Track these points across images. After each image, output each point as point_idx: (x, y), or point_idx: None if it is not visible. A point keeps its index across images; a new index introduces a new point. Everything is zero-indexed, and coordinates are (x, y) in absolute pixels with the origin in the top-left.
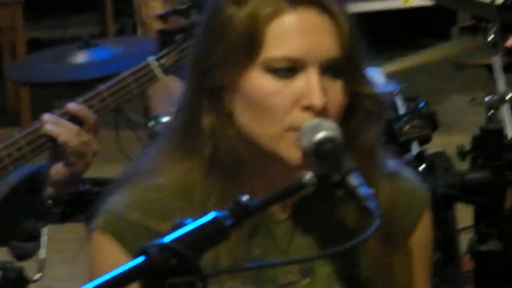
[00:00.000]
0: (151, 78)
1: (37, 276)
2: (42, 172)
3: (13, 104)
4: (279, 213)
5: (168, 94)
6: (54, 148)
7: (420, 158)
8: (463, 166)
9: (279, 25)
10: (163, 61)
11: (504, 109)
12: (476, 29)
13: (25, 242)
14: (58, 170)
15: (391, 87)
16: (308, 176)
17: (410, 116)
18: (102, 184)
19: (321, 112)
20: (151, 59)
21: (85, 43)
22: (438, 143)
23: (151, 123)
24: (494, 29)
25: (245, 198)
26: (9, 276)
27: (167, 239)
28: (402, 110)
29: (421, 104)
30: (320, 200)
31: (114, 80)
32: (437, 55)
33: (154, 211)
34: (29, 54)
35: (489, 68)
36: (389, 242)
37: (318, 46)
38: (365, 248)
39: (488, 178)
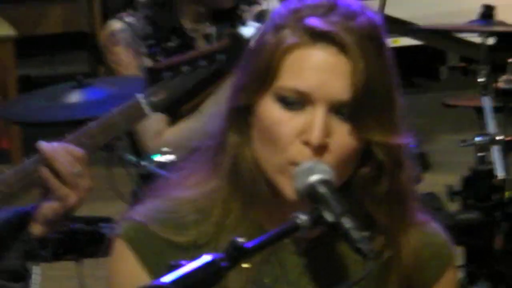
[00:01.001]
0: (140, 115)
1: None
2: (32, 212)
3: (4, 142)
4: (293, 245)
5: (157, 132)
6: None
7: None
8: (453, 206)
9: (296, 57)
10: (151, 98)
11: (495, 150)
12: (467, 70)
13: (13, 282)
14: (50, 206)
15: (412, 141)
16: (303, 217)
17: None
18: (94, 223)
19: (319, 151)
20: (139, 97)
21: (78, 83)
22: (428, 183)
23: (144, 162)
24: (484, 70)
25: (240, 240)
26: None
27: (164, 280)
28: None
29: (412, 145)
30: (334, 238)
31: (104, 118)
32: None
33: (172, 223)
34: (20, 92)
35: (478, 109)
36: None
37: (329, 86)
38: None
39: (478, 219)
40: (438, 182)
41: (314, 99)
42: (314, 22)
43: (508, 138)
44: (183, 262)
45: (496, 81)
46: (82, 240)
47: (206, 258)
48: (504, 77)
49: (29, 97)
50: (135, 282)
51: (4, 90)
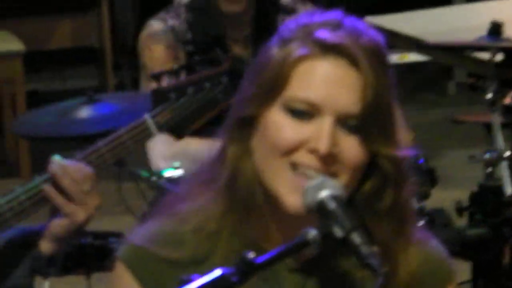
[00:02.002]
0: (147, 135)
1: None
2: (40, 230)
3: (13, 156)
4: (290, 263)
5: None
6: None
7: (419, 214)
8: (461, 221)
9: (305, 69)
10: (157, 118)
11: (503, 166)
12: (475, 86)
13: None
14: (59, 223)
15: (415, 152)
16: (312, 233)
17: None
18: (104, 237)
19: (325, 160)
20: (146, 116)
21: (88, 98)
22: (436, 198)
23: (154, 177)
24: (492, 87)
25: (251, 255)
26: None
27: None
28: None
29: (421, 161)
30: (333, 256)
31: (112, 137)
32: None
33: (170, 241)
34: (29, 107)
35: (487, 125)
36: None
37: (337, 98)
38: None
39: (487, 234)
40: (446, 197)
41: (322, 110)
42: (324, 34)
43: None
44: (194, 277)
45: (504, 97)
46: (91, 254)
47: (216, 272)
48: None
49: (39, 112)
50: None
51: (13, 105)
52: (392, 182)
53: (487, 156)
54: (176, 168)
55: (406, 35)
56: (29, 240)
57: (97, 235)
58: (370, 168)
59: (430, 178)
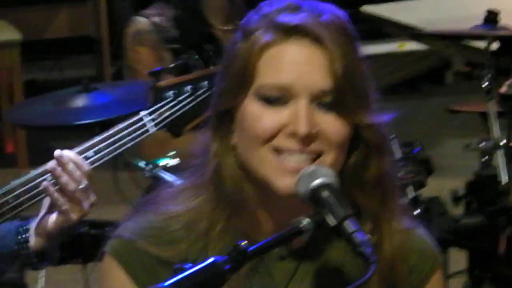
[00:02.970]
0: (143, 133)
1: None
2: (31, 226)
3: (10, 146)
4: (282, 251)
5: (162, 146)
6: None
7: (415, 202)
8: (457, 210)
9: (271, 55)
10: (154, 116)
11: (498, 155)
12: (471, 75)
13: None
14: (53, 220)
15: (390, 117)
16: (305, 221)
17: (406, 162)
18: (100, 226)
19: (305, 140)
20: (143, 114)
21: (85, 87)
22: (432, 187)
23: (149, 167)
24: (488, 75)
25: (243, 243)
26: None
27: (167, 283)
28: (397, 155)
29: (416, 150)
30: (323, 244)
31: (109, 133)
32: None
33: (160, 239)
34: (26, 96)
35: (483, 114)
36: None
37: (308, 77)
38: None
39: (483, 223)
40: (443, 186)
41: (295, 92)
42: (285, 18)
43: None
44: (186, 265)
45: (500, 86)
46: (88, 244)
47: (208, 261)
48: (508, 82)
49: (35, 101)
50: None
51: (10, 94)
52: (375, 149)
53: (483, 145)
54: (171, 157)
55: (403, 24)
56: (22, 236)
57: (93, 224)
58: (353, 140)
59: (426, 167)
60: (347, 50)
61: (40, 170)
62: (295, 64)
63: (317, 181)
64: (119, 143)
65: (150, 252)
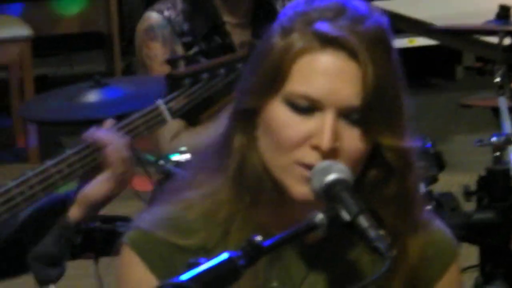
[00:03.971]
0: (160, 121)
1: None
2: (69, 199)
3: (21, 141)
4: (297, 248)
5: (176, 137)
6: (94, 169)
7: (427, 198)
8: (469, 205)
9: (306, 63)
10: (171, 104)
11: (511, 150)
12: (483, 70)
13: (48, 267)
14: (96, 190)
15: (422, 143)
16: (319, 217)
17: (417, 157)
18: (112, 222)
19: (328, 155)
20: (159, 102)
21: (96, 82)
22: (444, 183)
23: (161, 161)
24: (500, 70)
25: (258, 238)
26: None
27: (183, 277)
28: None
29: (428, 145)
30: (340, 240)
31: (125, 122)
32: None
33: (179, 228)
34: (37, 91)
35: (494, 109)
36: None
37: (338, 91)
38: None
39: (495, 219)
40: (454, 182)
41: (323, 105)
42: (323, 27)
43: None
44: (201, 260)
45: None
46: (99, 238)
47: (223, 256)
48: None
49: (48, 96)
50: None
51: (21, 90)
52: (396, 172)
53: (494, 140)
54: (183, 152)
55: (414, 19)
56: (61, 207)
57: (105, 219)
58: (373, 157)
59: (437, 163)
60: (382, 66)
61: (54, 160)
62: (327, 77)
63: (331, 176)
64: (134, 132)
65: (168, 241)
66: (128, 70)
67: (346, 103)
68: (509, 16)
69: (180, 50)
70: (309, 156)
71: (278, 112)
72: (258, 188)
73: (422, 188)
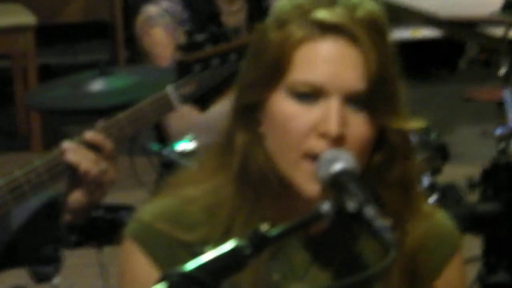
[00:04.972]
0: (169, 107)
1: None
2: (60, 199)
3: (24, 129)
4: (300, 240)
5: (186, 123)
6: (72, 176)
7: (431, 189)
8: (473, 197)
9: (307, 51)
10: (180, 90)
11: None
12: (487, 62)
13: (44, 266)
14: (76, 198)
15: (421, 124)
16: (325, 207)
17: (421, 148)
18: (115, 211)
19: (337, 141)
20: (169, 88)
21: (100, 71)
22: (448, 174)
23: (166, 151)
24: (505, 62)
25: (264, 227)
26: None
27: (188, 267)
28: (413, 141)
29: (432, 136)
30: (342, 232)
31: (133, 109)
32: None
33: (180, 222)
34: (40, 80)
35: (499, 101)
36: (415, 282)
37: (342, 77)
38: (389, 286)
39: (499, 210)
40: (458, 173)
41: (327, 91)
42: (321, 14)
43: None
44: (207, 249)
45: None
46: (103, 228)
47: (229, 245)
48: None
49: (52, 85)
50: (147, 279)
51: (24, 78)
52: (400, 154)
53: (499, 131)
54: (189, 141)
55: (418, 10)
56: (54, 210)
57: (108, 208)
58: (379, 141)
59: (441, 154)
60: (381, 49)
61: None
62: (330, 63)
63: (337, 166)
64: (143, 119)
65: (170, 234)
66: (132, 59)
67: (351, 87)
68: None
69: (182, 37)
70: (317, 145)
71: (282, 105)
72: (262, 185)
73: (426, 179)
